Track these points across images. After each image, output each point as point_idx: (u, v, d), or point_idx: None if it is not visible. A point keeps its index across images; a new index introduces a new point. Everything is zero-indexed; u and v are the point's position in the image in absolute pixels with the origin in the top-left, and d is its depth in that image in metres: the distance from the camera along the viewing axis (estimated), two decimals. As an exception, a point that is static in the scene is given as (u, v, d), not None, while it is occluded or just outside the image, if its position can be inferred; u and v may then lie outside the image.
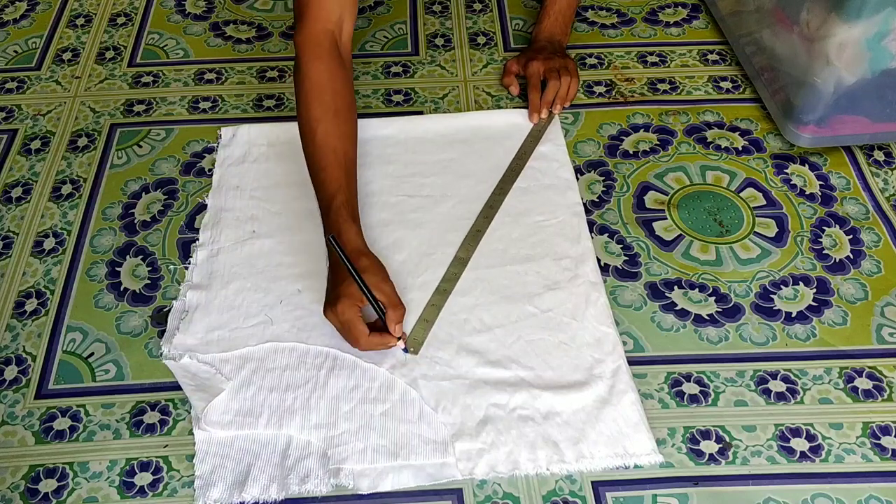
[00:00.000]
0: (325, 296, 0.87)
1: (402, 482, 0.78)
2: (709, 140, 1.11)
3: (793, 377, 0.87)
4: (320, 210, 0.91)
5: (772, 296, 0.94)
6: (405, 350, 0.86)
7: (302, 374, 0.86)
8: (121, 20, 1.31)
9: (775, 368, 0.87)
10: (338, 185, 0.90)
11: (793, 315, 0.92)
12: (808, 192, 1.04)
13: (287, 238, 0.98)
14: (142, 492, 0.79)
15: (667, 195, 1.04)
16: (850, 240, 0.99)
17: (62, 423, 0.84)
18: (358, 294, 0.83)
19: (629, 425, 0.81)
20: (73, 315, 0.93)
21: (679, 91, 1.18)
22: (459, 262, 0.95)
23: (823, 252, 0.98)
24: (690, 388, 0.86)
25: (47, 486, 0.79)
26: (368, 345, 0.84)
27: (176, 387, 0.86)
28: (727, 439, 0.82)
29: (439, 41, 1.26)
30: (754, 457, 0.81)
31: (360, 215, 1.00)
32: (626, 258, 0.97)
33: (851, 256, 0.98)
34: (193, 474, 0.79)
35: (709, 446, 0.81)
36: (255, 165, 1.07)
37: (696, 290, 0.94)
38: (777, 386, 0.86)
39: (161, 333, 0.90)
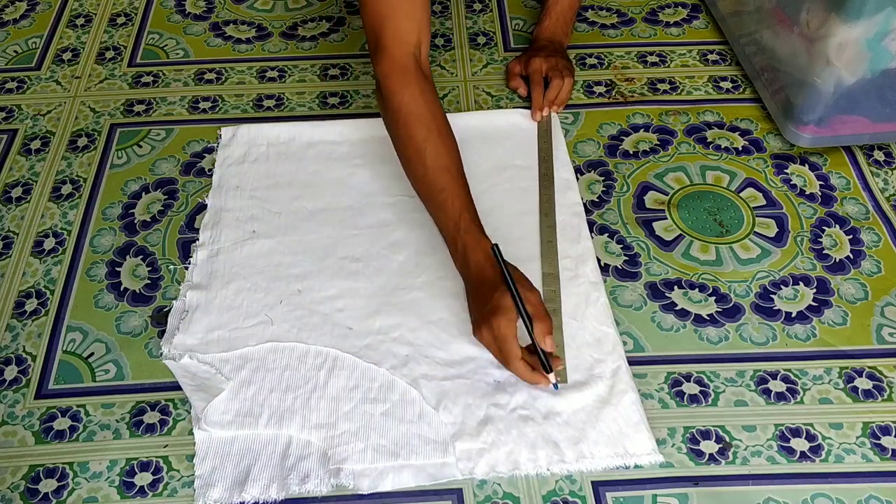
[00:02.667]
0: (471, 315, 0.85)
1: (402, 482, 0.78)
2: (709, 140, 1.11)
3: (793, 377, 0.87)
4: (443, 230, 0.89)
5: (772, 296, 0.94)
6: (555, 386, 0.83)
7: (302, 374, 0.86)
8: (121, 20, 1.31)
9: (775, 368, 0.88)
10: (462, 203, 0.87)
11: (793, 315, 0.92)
12: (808, 192, 1.04)
13: (287, 238, 0.98)
14: (142, 492, 0.79)
15: (667, 195, 1.04)
16: (850, 240, 0.99)
17: (62, 423, 0.84)
18: (513, 307, 0.79)
19: (629, 425, 0.81)
20: (73, 315, 0.93)
21: (679, 91, 1.18)
22: (552, 279, 0.93)
23: (823, 252, 0.98)
24: (690, 388, 0.86)
25: (47, 486, 0.79)
26: (519, 368, 0.80)
27: (176, 387, 0.86)
28: (727, 439, 0.82)
29: (439, 41, 1.26)
30: (754, 457, 0.81)
31: (360, 216, 1.01)
32: (626, 258, 0.97)
33: (851, 256, 0.98)
34: (193, 474, 0.79)
35: (709, 446, 0.81)
36: (255, 165, 1.07)
37: (696, 290, 0.94)
38: (777, 386, 0.86)
39: (161, 333, 0.90)
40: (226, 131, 1.11)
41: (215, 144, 1.10)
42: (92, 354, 0.89)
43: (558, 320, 0.89)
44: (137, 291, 0.95)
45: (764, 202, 1.03)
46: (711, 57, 1.23)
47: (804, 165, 1.07)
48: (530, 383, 0.82)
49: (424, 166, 0.89)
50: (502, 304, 0.80)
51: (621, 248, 0.98)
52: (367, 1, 0.93)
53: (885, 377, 0.87)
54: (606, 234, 1.00)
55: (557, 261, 0.95)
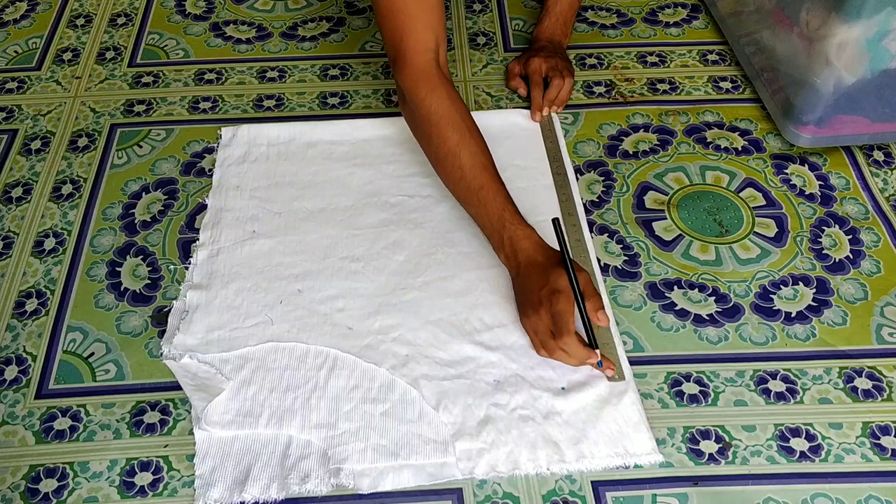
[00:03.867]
0: (520, 301, 0.87)
1: (402, 482, 0.79)
2: (708, 140, 1.11)
3: (792, 377, 0.87)
4: (485, 225, 0.91)
5: (771, 296, 0.94)
6: (610, 377, 0.84)
7: (302, 374, 0.86)
8: (121, 20, 1.31)
9: (775, 368, 0.88)
10: (503, 198, 0.90)
11: (792, 315, 0.92)
12: (807, 193, 1.04)
13: (287, 238, 0.98)
14: (142, 492, 0.79)
15: (666, 195, 1.04)
16: (849, 240, 0.99)
17: (62, 423, 0.84)
18: (570, 287, 0.81)
19: (629, 425, 0.81)
20: (73, 315, 0.93)
21: (679, 91, 1.18)
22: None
23: (823, 252, 0.98)
24: (690, 388, 0.86)
25: (47, 485, 0.79)
26: (571, 344, 0.80)
27: (176, 387, 0.86)
28: (727, 439, 0.82)
29: (439, 41, 1.26)
30: (754, 456, 0.81)
31: (360, 216, 1.01)
32: (626, 258, 0.97)
33: (851, 256, 0.98)
34: (194, 474, 0.79)
35: (708, 446, 0.81)
36: (255, 165, 1.07)
37: (696, 290, 0.94)
38: (777, 386, 0.86)
39: (161, 333, 0.90)
40: (226, 131, 1.12)
41: (215, 144, 1.10)
42: (92, 354, 0.89)
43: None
44: (138, 291, 0.95)
45: (763, 202, 1.03)
46: (711, 57, 1.23)
47: (804, 165, 1.08)
48: (581, 361, 0.82)
49: (461, 168, 0.91)
50: (560, 284, 0.82)
51: (621, 248, 0.99)
52: (385, 14, 0.94)
53: (885, 377, 0.87)
54: (606, 234, 1.00)
55: (590, 258, 0.95)
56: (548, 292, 0.82)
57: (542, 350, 0.83)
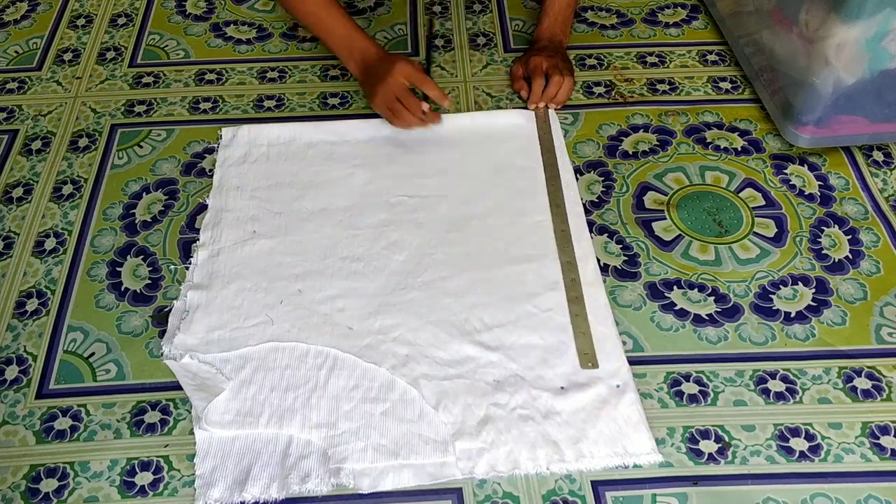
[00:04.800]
0: (371, 86, 1.06)
1: (402, 481, 0.79)
2: (708, 140, 1.11)
3: (792, 377, 0.87)
4: (335, 41, 1.09)
5: (771, 296, 0.94)
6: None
7: (302, 373, 0.86)
8: (121, 21, 1.31)
9: (774, 368, 0.88)
10: (352, 23, 1.08)
11: (792, 315, 0.92)
12: (807, 193, 1.05)
13: (287, 238, 0.98)
14: (142, 491, 0.79)
15: (666, 195, 1.04)
16: (849, 240, 0.99)
17: (63, 423, 0.84)
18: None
19: (629, 425, 0.81)
20: (73, 315, 0.93)
21: (678, 91, 1.18)
22: (570, 267, 0.94)
23: (822, 252, 0.98)
24: (690, 388, 0.86)
25: (48, 485, 0.80)
26: (433, 89, 1.03)
27: (176, 386, 0.86)
28: (726, 439, 0.82)
29: (439, 42, 1.26)
30: (753, 456, 0.81)
31: (360, 216, 1.01)
32: (626, 258, 0.98)
33: (850, 256, 0.98)
34: (194, 474, 0.79)
35: (708, 446, 0.82)
36: (255, 166, 1.07)
37: (696, 290, 0.94)
38: (776, 386, 0.86)
39: (162, 333, 0.90)
40: (226, 132, 1.12)
41: (216, 145, 1.10)
42: (93, 354, 0.89)
43: (581, 308, 0.90)
44: (138, 291, 0.95)
45: (763, 202, 1.03)
46: (711, 57, 1.23)
47: (803, 166, 1.08)
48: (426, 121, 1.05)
49: (317, 14, 1.08)
50: (406, 59, 1.05)
51: (621, 248, 0.99)
52: None
53: (884, 377, 0.87)
54: (606, 235, 1.00)
55: (573, 249, 0.95)
56: (399, 61, 1.03)
57: (397, 118, 1.05)
